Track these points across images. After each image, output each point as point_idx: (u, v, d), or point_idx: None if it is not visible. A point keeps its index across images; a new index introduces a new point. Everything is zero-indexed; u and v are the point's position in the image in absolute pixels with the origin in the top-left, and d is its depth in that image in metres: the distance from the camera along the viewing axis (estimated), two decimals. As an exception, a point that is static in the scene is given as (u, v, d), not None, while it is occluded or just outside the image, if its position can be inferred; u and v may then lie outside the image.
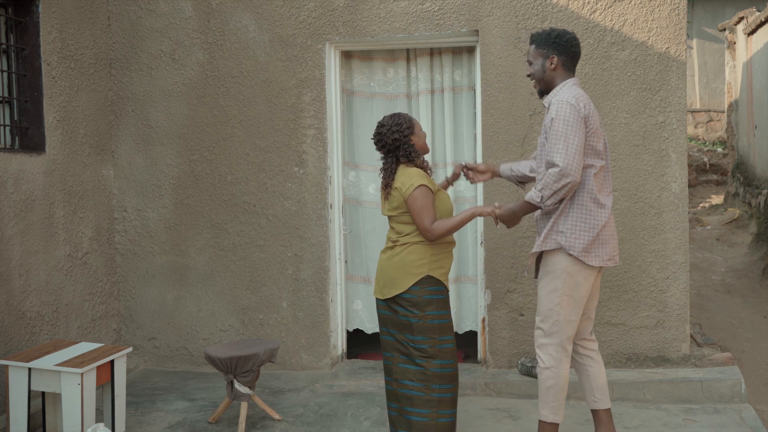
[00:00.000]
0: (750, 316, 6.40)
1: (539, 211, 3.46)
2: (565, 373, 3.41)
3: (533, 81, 3.55)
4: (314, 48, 4.91)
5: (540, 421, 3.48)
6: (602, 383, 3.55)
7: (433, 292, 3.46)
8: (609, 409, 3.53)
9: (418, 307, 3.43)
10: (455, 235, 4.98)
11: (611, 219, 3.45)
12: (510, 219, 3.46)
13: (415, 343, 3.44)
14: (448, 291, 3.56)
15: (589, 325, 3.58)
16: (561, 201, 3.37)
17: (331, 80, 4.97)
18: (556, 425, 3.45)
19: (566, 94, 3.37)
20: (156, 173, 5.17)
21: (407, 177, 3.47)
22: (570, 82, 3.45)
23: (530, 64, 3.52)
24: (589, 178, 3.36)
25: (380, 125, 3.58)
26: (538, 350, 3.47)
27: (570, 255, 3.35)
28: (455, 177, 3.86)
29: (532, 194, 3.34)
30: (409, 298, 3.44)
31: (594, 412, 3.55)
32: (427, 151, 3.66)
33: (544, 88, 3.51)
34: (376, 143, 3.61)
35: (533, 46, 3.51)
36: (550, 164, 3.29)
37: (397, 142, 3.54)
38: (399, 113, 3.61)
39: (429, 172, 3.65)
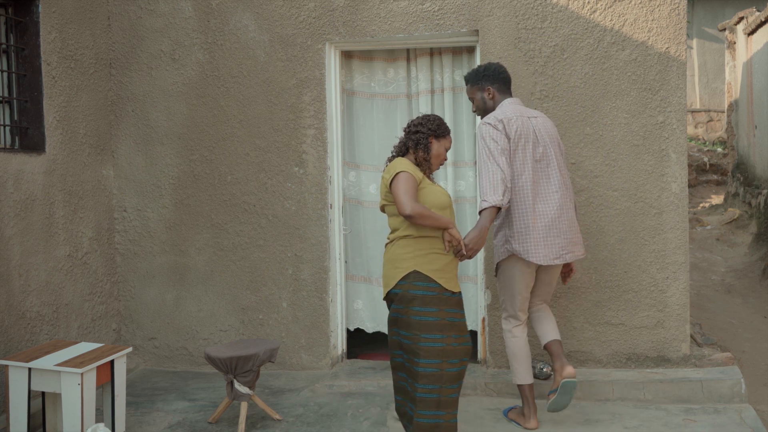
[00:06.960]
0: (750, 316, 6.40)
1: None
2: (518, 342, 3.97)
3: (478, 113, 3.98)
4: (314, 48, 4.91)
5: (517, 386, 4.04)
6: (549, 323, 3.99)
7: (420, 287, 3.37)
8: (559, 341, 3.92)
9: (403, 301, 3.38)
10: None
11: (561, 217, 3.80)
12: (480, 238, 3.58)
13: (402, 338, 3.42)
14: (445, 290, 3.41)
15: (537, 302, 4.05)
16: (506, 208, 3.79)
17: (331, 80, 4.97)
18: (528, 385, 3.96)
19: (491, 115, 3.81)
20: (156, 173, 5.17)
21: (393, 166, 3.48)
22: (505, 102, 3.90)
23: (472, 101, 3.98)
24: (525, 184, 3.74)
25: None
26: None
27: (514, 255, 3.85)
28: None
29: (490, 200, 3.63)
30: (397, 293, 3.41)
31: (546, 346, 3.94)
32: (434, 168, 3.63)
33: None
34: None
35: (469, 85, 3.99)
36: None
37: (418, 135, 3.57)
38: (440, 118, 3.69)
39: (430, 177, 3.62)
